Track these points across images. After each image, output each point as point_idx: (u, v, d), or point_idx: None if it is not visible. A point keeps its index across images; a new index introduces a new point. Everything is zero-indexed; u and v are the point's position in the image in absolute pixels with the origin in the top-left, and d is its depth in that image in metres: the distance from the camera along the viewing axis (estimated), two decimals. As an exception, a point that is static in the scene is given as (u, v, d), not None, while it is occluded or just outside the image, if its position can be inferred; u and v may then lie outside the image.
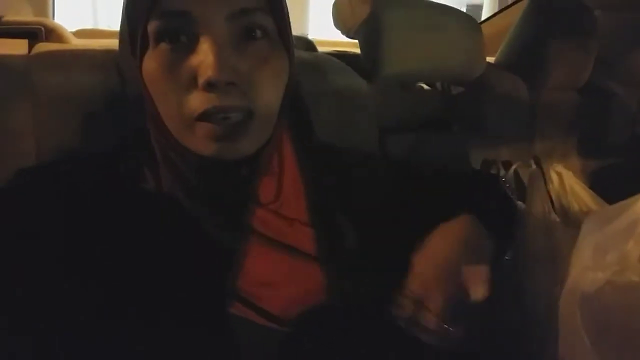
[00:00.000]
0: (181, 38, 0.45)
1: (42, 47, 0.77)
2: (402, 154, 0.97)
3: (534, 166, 0.88)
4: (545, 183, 0.86)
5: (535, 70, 1.22)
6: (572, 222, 0.83)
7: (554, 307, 0.63)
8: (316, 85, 0.90)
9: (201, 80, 0.43)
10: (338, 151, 0.65)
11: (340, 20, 1.08)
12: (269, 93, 0.48)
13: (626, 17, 1.40)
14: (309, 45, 1.26)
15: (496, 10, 2.06)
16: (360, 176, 0.61)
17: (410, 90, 1.12)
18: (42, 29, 0.90)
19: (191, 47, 0.45)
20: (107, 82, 0.66)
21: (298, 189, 0.56)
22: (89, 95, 0.65)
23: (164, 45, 0.45)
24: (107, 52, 0.70)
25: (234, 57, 0.45)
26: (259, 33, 0.47)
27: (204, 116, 0.45)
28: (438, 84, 1.18)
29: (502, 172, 0.94)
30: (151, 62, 0.46)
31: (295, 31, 0.57)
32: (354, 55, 1.08)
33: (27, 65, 0.65)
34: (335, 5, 1.10)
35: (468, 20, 1.07)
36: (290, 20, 0.53)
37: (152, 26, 0.45)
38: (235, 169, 0.50)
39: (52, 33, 0.92)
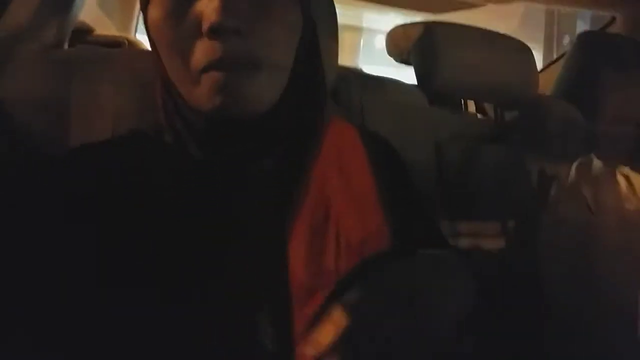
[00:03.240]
0: None
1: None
2: (458, 163, 0.96)
3: (597, 162, 0.84)
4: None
5: (588, 102, 1.22)
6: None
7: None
8: (382, 100, 0.95)
9: (205, 26, 0.41)
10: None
11: (394, 46, 1.13)
12: (278, 45, 0.45)
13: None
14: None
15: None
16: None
17: (462, 114, 1.13)
18: (126, 41, 1.00)
19: None
20: None
21: (367, 182, 0.53)
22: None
23: None
24: None
25: (241, 4, 0.42)
26: None
27: (209, 67, 0.42)
28: (491, 112, 1.19)
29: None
30: (156, 9, 0.44)
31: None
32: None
33: (112, 54, 0.72)
34: (389, 34, 1.15)
35: (519, 44, 1.09)
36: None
37: None
38: (250, 132, 0.46)
39: (134, 46, 1.01)
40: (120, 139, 0.53)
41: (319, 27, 0.53)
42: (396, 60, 1.16)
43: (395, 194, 0.53)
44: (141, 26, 1.30)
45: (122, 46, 0.99)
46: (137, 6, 1.19)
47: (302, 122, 0.52)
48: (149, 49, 0.50)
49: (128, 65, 0.71)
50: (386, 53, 1.19)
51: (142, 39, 1.16)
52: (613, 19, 1.59)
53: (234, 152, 0.48)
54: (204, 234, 0.44)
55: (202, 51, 0.42)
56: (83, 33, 0.95)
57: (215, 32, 0.41)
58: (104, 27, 1.04)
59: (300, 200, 0.48)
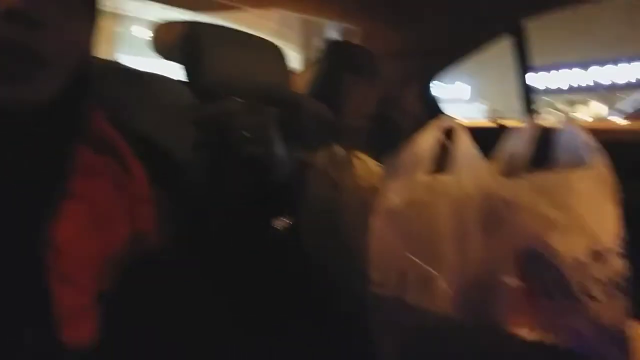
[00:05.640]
0: None
1: None
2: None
3: (340, 150, 1.02)
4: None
5: (334, 101, 1.45)
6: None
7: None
8: (147, 96, 0.94)
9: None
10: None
11: (160, 43, 1.14)
12: (61, 43, 0.44)
13: (400, 63, 1.77)
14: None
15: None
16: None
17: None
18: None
19: None
20: None
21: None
22: None
23: None
24: None
25: None
26: None
27: None
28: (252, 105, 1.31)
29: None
30: None
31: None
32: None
33: None
34: (154, 31, 1.15)
35: (275, 46, 1.23)
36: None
37: None
38: (27, 124, 0.45)
39: None
40: None
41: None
42: (162, 57, 1.16)
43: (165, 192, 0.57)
44: None
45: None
46: None
47: (67, 120, 0.51)
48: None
49: None
50: (144, 43, 1.18)
51: None
52: (355, 30, 1.90)
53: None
54: None
55: None
56: None
57: (6, 16, 0.39)
58: None
59: (65, 215, 0.46)
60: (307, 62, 2.05)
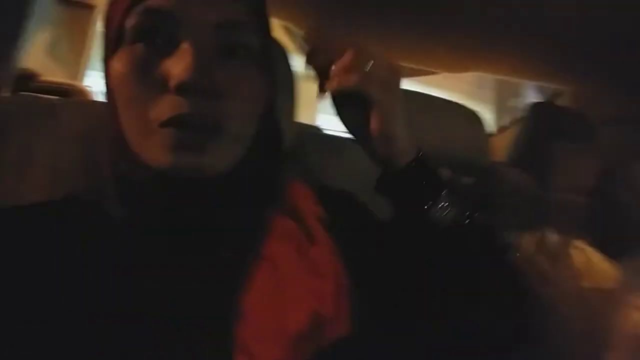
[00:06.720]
0: (160, 39, 0.43)
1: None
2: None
3: (552, 236, 0.84)
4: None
5: (541, 171, 1.26)
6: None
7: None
8: (344, 162, 0.93)
9: (174, 82, 0.41)
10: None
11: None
12: (242, 111, 0.45)
13: (623, 129, 1.48)
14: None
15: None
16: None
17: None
18: (74, 90, 0.96)
19: (169, 50, 0.42)
20: None
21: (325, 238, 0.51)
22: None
23: (139, 45, 0.43)
24: None
25: (212, 67, 0.42)
26: (241, 52, 0.45)
27: (171, 122, 0.41)
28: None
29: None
30: (122, 61, 0.43)
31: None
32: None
33: (56, 104, 0.67)
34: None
35: (469, 111, 1.14)
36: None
37: (130, 22, 0.43)
38: (205, 193, 0.45)
39: (80, 94, 0.97)
40: (51, 204, 0.48)
41: (279, 88, 0.52)
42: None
43: (362, 264, 0.50)
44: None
45: (69, 95, 0.94)
46: (88, 53, 1.15)
47: (260, 187, 0.50)
48: (97, 98, 0.47)
49: (72, 118, 0.66)
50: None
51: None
52: (562, 89, 1.69)
53: (186, 217, 0.45)
54: (142, 322, 0.40)
55: (167, 104, 0.41)
56: (27, 79, 0.89)
57: (183, 90, 0.40)
58: (52, 74, 0.99)
59: (252, 280, 0.44)
60: (505, 125, 1.87)
